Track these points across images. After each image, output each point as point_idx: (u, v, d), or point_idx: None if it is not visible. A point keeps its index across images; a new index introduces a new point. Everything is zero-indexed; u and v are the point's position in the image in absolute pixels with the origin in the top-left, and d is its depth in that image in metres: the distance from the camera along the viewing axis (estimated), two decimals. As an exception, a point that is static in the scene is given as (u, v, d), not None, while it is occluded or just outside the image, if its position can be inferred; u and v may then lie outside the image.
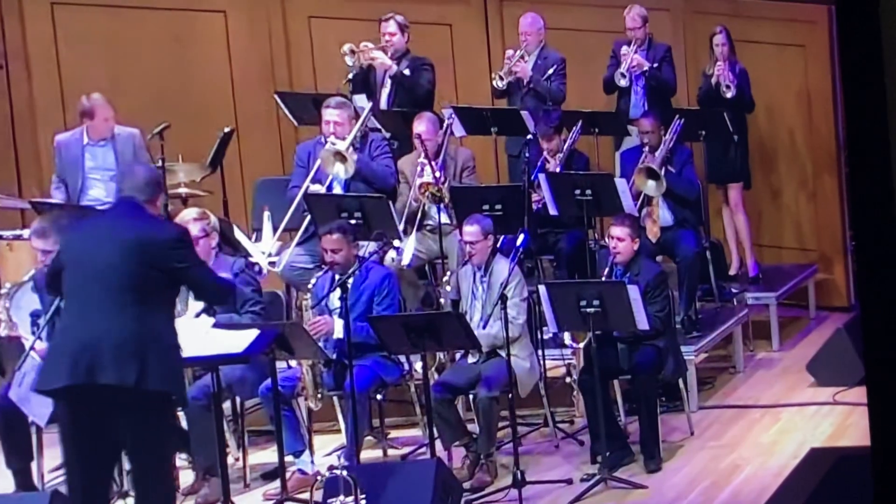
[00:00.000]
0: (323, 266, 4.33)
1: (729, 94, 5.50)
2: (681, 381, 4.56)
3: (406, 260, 4.72)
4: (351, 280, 4.15)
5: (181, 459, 4.21)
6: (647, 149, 5.18)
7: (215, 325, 3.85)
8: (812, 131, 6.02)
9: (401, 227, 4.74)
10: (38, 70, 5.89)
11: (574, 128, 5.28)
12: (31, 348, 3.70)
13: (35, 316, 4.02)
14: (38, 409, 3.63)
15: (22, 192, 5.62)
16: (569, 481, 4.19)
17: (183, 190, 5.03)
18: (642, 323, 4.21)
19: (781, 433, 4.55)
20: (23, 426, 3.99)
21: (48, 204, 4.87)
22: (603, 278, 4.40)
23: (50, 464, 4.23)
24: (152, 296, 3.22)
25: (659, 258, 5.02)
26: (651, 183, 5.04)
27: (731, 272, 5.64)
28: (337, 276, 4.22)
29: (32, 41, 5.86)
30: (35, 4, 5.86)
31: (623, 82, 5.55)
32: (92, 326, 3.18)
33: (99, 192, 5.04)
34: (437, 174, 4.82)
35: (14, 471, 4.03)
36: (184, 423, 4.09)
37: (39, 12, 5.86)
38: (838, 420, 4.62)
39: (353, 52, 5.31)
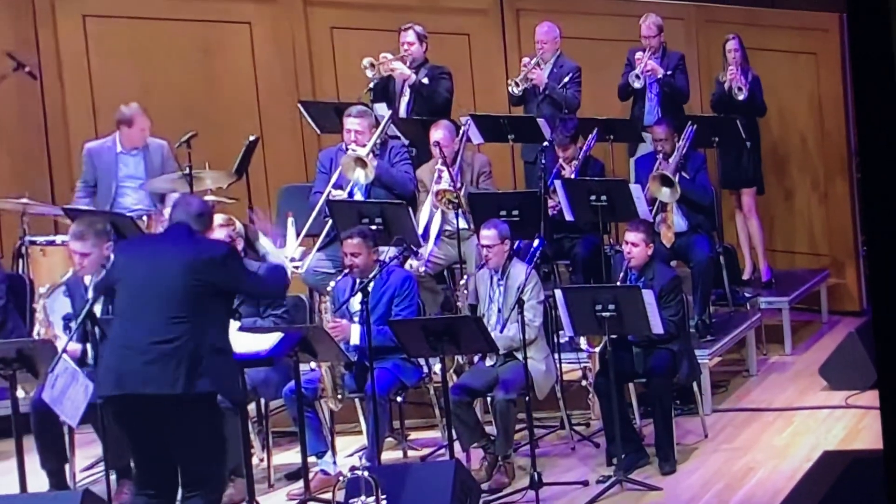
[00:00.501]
0: (344, 270, 4.34)
1: (741, 97, 5.47)
2: (695, 385, 4.52)
3: (426, 255, 4.70)
4: (372, 284, 4.16)
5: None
6: (661, 155, 5.16)
7: (240, 329, 3.87)
8: (824, 137, 5.97)
9: (421, 227, 4.74)
10: (71, 80, 5.92)
11: (590, 135, 5.27)
12: (63, 351, 3.74)
13: (67, 319, 4.05)
14: (71, 410, 3.66)
15: (55, 200, 5.68)
16: (585, 483, 4.17)
17: (210, 197, 5.06)
18: (657, 327, 4.19)
19: (794, 436, 4.51)
20: (56, 427, 4.02)
21: (80, 211, 4.91)
22: (618, 283, 4.38)
23: (82, 463, 4.26)
24: (204, 310, 3.31)
25: (673, 263, 4.99)
26: (665, 190, 5.02)
27: (745, 277, 5.60)
28: (357, 280, 4.23)
29: (65, 52, 5.90)
30: (68, 17, 5.90)
31: (637, 84, 5.52)
32: (142, 340, 3.28)
33: (130, 201, 5.06)
34: (456, 183, 4.83)
35: (48, 471, 4.05)
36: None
37: (72, 24, 5.91)
38: (851, 423, 4.58)
39: (372, 65, 5.34)
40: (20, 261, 4.87)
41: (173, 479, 3.34)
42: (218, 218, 4.35)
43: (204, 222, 3.48)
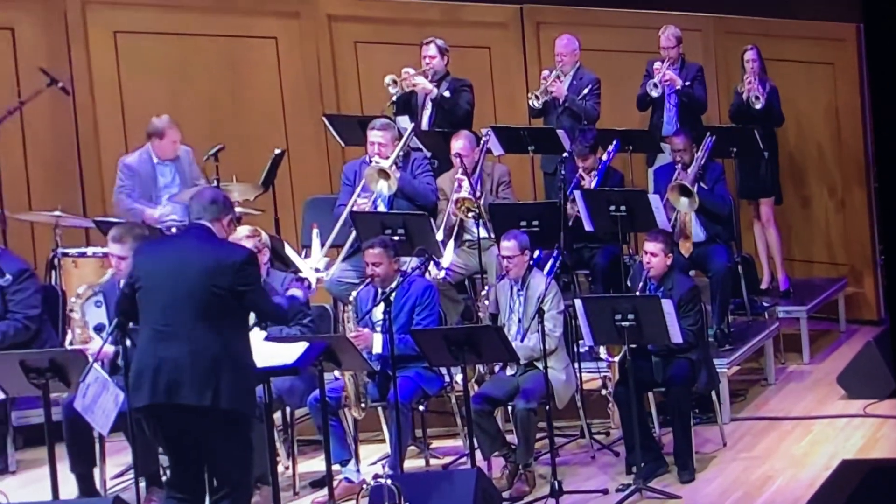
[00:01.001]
0: (366, 280, 4.35)
1: (758, 106, 5.43)
2: (713, 394, 4.49)
3: (446, 263, 4.70)
4: (394, 294, 4.16)
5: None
6: (679, 166, 5.13)
7: (267, 339, 3.88)
8: (841, 147, 5.92)
9: (440, 237, 4.75)
10: (102, 95, 5.95)
11: (610, 146, 5.23)
12: (95, 360, 3.77)
13: (98, 329, 4.09)
14: (101, 419, 3.69)
15: (86, 212, 5.73)
16: (604, 491, 4.15)
17: (237, 209, 5.09)
18: (676, 336, 4.16)
19: (813, 445, 4.46)
20: (87, 435, 4.04)
21: (111, 223, 4.95)
22: (637, 293, 4.36)
23: (112, 471, 4.29)
24: (226, 318, 3.31)
25: (692, 273, 4.95)
26: (684, 200, 4.99)
27: (763, 286, 5.56)
28: (379, 290, 4.23)
29: (96, 68, 5.93)
30: (99, 33, 5.94)
31: (655, 92, 5.49)
32: (170, 348, 3.29)
33: (166, 210, 5.11)
34: (476, 190, 4.83)
35: (77, 475, 4.08)
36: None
37: (103, 40, 5.94)
38: (869, 432, 4.52)
39: (395, 82, 5.36)
40: (53, 272, 4.91)
41: (203, 483, 3.36)
42: (245, 229, 4.37)
43: (217, 210, 3.41)
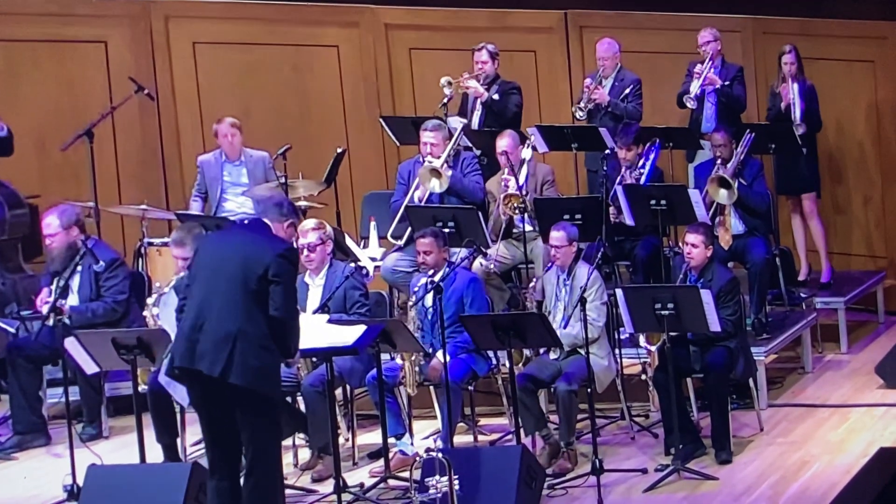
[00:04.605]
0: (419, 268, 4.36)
1: (800, 132, 5.20)
2: (751, 381, 4.35)
3: (492, 256, 4.67)
4: (441, 281, 4.15)
5: (300, 439, 4.30)
6: (719, 161, 4.99)
7: (329, 321, 3.91)
8: (881, 143, 5.69)
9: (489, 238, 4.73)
10: (182, 99, 6.08)
11: (653, 146, 5.10)
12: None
13: (179, 311, 4.16)
14: (181, 391, 3.74)
15: (169, 205, 5.87)
16: (644, 471, 4.07)
17: (303, 203, 5.16)
18: (714, 325, 4.05)
19: (850, 432, 4.29)
20: (169, 406, 4.13)
21: (190, 215, 5.07)
22: (678, 283, 4.26)
23: (192, 439, 4.35)
24: (261, 301, 3.26)
25: (731, 264, 4.82)
26: (723, 192, 4.85)
27: (800, 278, 5.37)
28: (432, 279, 4.21)
29: (178, 74, 6.06)
30: (180, 43, 6.07)
31: (690, 104, 5.34)
32: (202, 319, 3.28)
33: (232, 205, 5.19)
34: (521, 183, 4.78)
35: (162, 444, 4.18)
36: (303, 407, 4.19)
37: (183, 50, 6.08)
38: (907, 421, 4.34)
39: (450, 83, 5.34)
40: (139, 260, 5.05)
41: (233, 460, 3.29)
42: (310, 222, 4.41)
43: (280, 213, 3.38)
